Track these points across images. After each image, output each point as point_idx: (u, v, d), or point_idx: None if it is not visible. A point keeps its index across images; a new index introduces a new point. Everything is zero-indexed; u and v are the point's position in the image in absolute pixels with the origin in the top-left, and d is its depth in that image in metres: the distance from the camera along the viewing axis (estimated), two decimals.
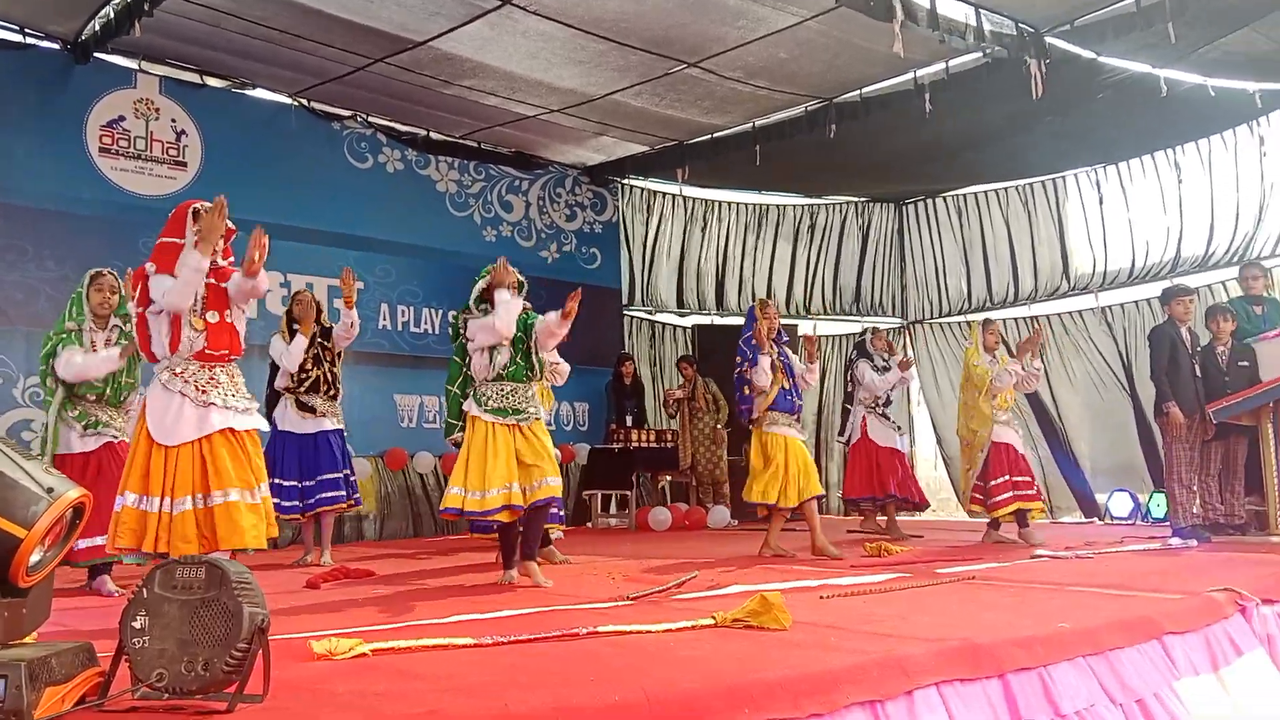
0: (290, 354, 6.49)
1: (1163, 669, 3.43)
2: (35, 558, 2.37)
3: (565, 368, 6.52)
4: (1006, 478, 7.17)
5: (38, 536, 2.34)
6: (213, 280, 4.22)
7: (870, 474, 8.22)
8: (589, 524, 10.11)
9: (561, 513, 6.57)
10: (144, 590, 2.45)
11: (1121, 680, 3.25)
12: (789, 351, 6.70)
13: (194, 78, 8.52)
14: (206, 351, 4.17)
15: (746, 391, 6.55)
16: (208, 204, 4.20)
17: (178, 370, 4.14)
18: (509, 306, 5.09)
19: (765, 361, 6.46)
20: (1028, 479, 7.28)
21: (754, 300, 7.10)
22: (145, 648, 2.39)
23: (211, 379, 4.17)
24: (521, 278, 5.36)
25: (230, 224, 4.22)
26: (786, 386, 6.56)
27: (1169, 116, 8.88)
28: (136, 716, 2.39)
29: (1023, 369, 7.30)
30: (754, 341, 6.52)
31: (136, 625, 2.41)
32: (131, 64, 8.20)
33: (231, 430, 4.15)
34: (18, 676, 2.18)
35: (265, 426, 4.35)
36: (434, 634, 3.39)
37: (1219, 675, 3.57)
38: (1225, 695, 3.53)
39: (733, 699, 2.48)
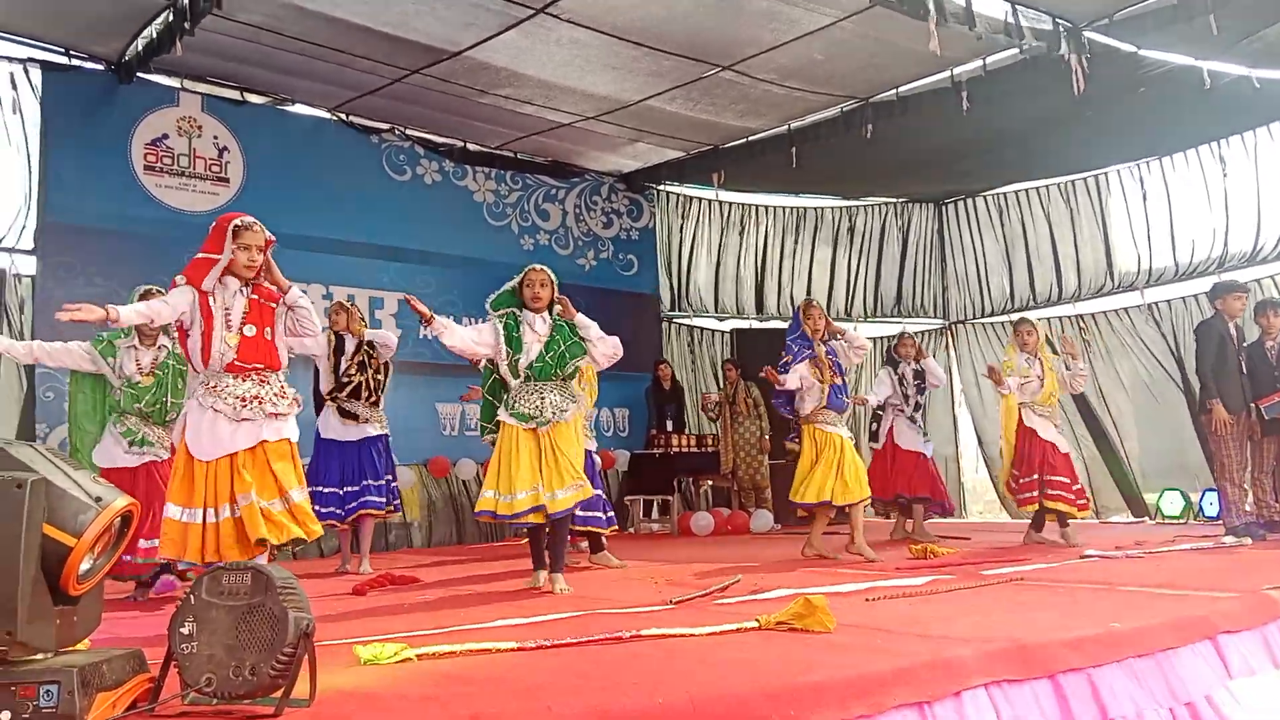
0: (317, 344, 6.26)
1: (1217, 669, 3.36)
2: (85, 565, 2.40)
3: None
4: (1036, 476, 7.09)
5: (87, 545, 2.38)
6: (256, 297, 4.26)
7: (882, 476, 8.11)
8: (631, 529, 10.11)
9: (611, 515, 6.55)
10: (192, 597, 2.49)
11: (1175, 680, 3.18)
12: (838, 349, 6.66)
13: (235, 95, 8.68)
14: (236, 363, 4.17)
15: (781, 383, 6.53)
16: (249, 218, 4.25)
17: (212, 385, 4.16)
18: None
19: (794, 376, 6.46)
20: (1064, 479, 7.14)
21: (795, 303, 7.07)
22: (194, 653, 2.42)
23: (248, 390, 4.17)
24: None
25: (269, 234, 4.27)
26: (837, 384, 6.54)
27: (1212, 110, 8.69)
28: None
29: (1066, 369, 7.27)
30: (802, 337, 6.55)
31: (185, 631, 2.44)
32: (174, 83, 8.35)
33: (262, 444, 4.17)
34: (70, 682, 2.22)
35: (296, 436, 4.35)
36: (479, 639, 3.41)
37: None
38: None
39: (778, 702, 2.45)
